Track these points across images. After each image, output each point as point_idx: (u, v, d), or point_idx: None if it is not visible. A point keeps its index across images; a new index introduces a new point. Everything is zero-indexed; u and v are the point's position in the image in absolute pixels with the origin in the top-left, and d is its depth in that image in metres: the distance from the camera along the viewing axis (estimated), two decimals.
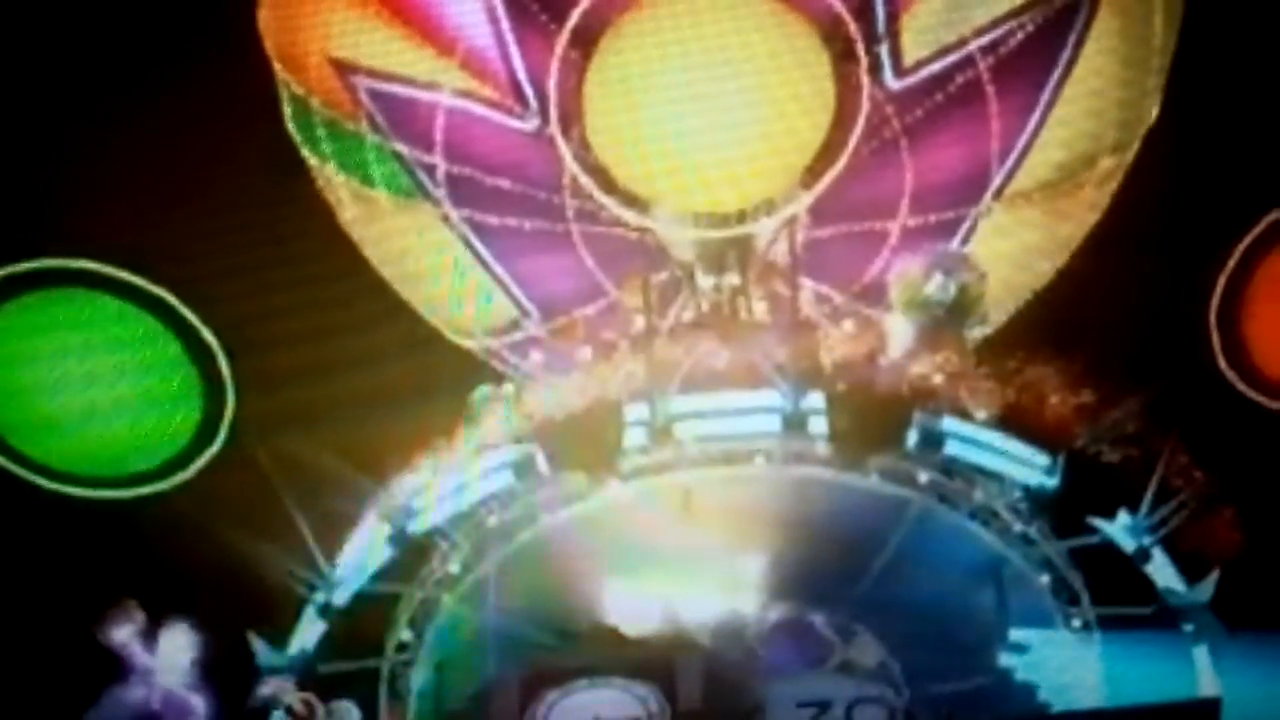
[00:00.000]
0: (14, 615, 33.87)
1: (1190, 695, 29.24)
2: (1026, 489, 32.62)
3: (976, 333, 35.79)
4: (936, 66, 36.16)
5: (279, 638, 32.09)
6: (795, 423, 32.77)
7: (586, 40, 34.51)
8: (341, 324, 38.46)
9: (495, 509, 32.91)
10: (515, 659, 29.82)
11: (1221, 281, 34.25)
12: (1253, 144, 37.03)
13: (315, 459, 32.08)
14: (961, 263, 35.48)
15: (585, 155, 34.85)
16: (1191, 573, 31.85)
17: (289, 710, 30.03)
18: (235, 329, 33.98)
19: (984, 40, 35.94)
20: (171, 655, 30.40)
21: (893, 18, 35.85)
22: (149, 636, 30.41)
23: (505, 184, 36.62)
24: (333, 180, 37.69)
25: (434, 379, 36.83)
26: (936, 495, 32.25)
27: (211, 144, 40.33)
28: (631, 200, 34.75)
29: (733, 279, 36.54)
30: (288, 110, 37.47)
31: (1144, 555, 32.18)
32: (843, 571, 31.60)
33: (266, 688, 30.57)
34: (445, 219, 37.31)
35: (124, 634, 30.33)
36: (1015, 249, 37.55)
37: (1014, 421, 33.05)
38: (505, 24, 36.13)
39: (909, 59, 36.15)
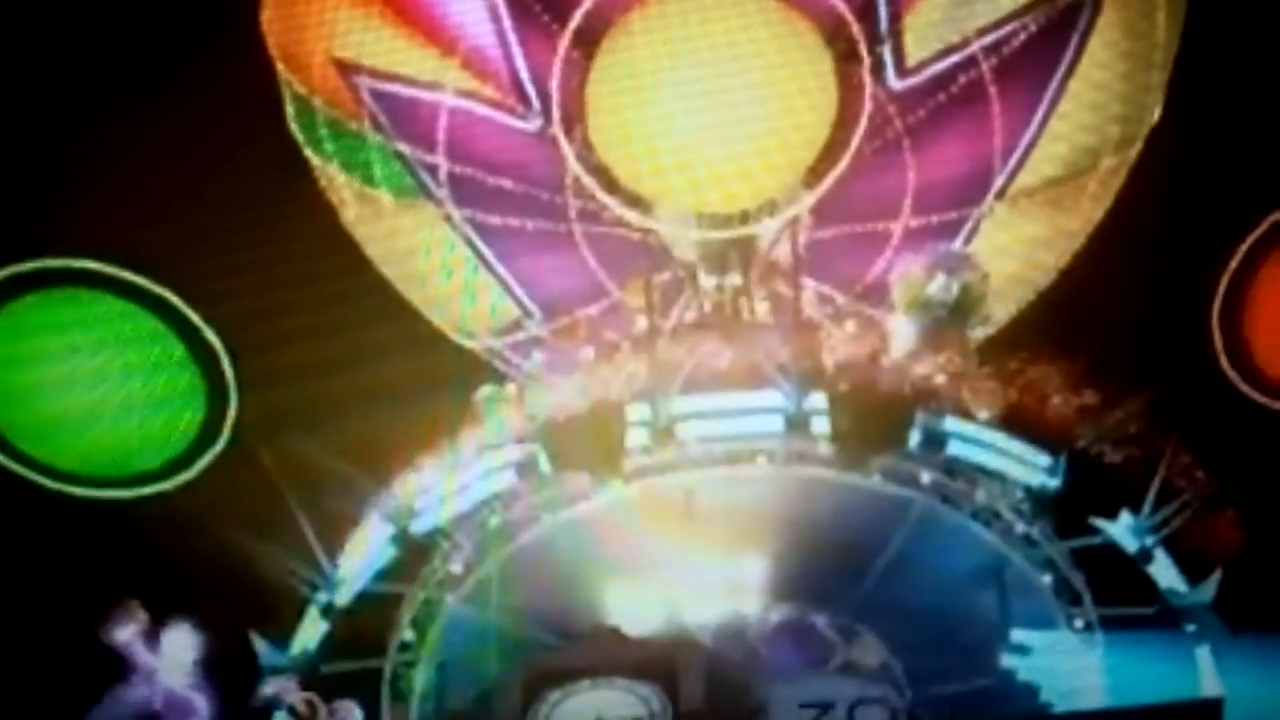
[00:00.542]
0: (17, 614, 33.87)
1: (1192, 696, 29.20)
2: (1029, 489, 32.64)
3: (979, 333, 35.78)
4: (939, 66, 36.15)
5: (281, 637, 32.15)
6: (798, 423, 32.79)
7: (589, 40, 34.50)
8: (344, 324, 38.44)
9: (498, 509, 32.95)
10: (518, 659, 29.78)
11: (1224, 282, 34.24)
12: (1255, 144, 37.00)
13: (318, 459, 32.11)
14: (964, 263, 35.47)
15: (588, 155, 34.84)
16: (1194, 573, 31.87)
17: (291, 710, 30.02)
18: (238, 329, 34.02)
19: (987, 40, 35.92)
20: (174, 655, 30.41)
21: (895, 18, 35.85)
22: (151, 636, 30.43)
23: (508, 184, 36.62)
24: (335, 180, 37.69)
25: (436, 379, 36.81)
26: (939, 496, 32.26)
27: (214, 144, 40.33)
28: (634, 200, 34.74)
29: (735, 279, 36.52)
30: (290, 110, 37.47)
31: (1146, 556, 32.20)
32: (845, 572, 31.61)
33: (269, 687, 30.59)
34: (448, 219, 37.31)
35: (127, 633, 30.35)
36: (1018, 248, 37.54)
37: (1016, 422, 33.07)
38: (507, 24, 36.12)
39: (912, 59, 36.16)
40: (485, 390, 35.37)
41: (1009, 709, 29.99)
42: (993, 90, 36.01)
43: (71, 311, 32.45)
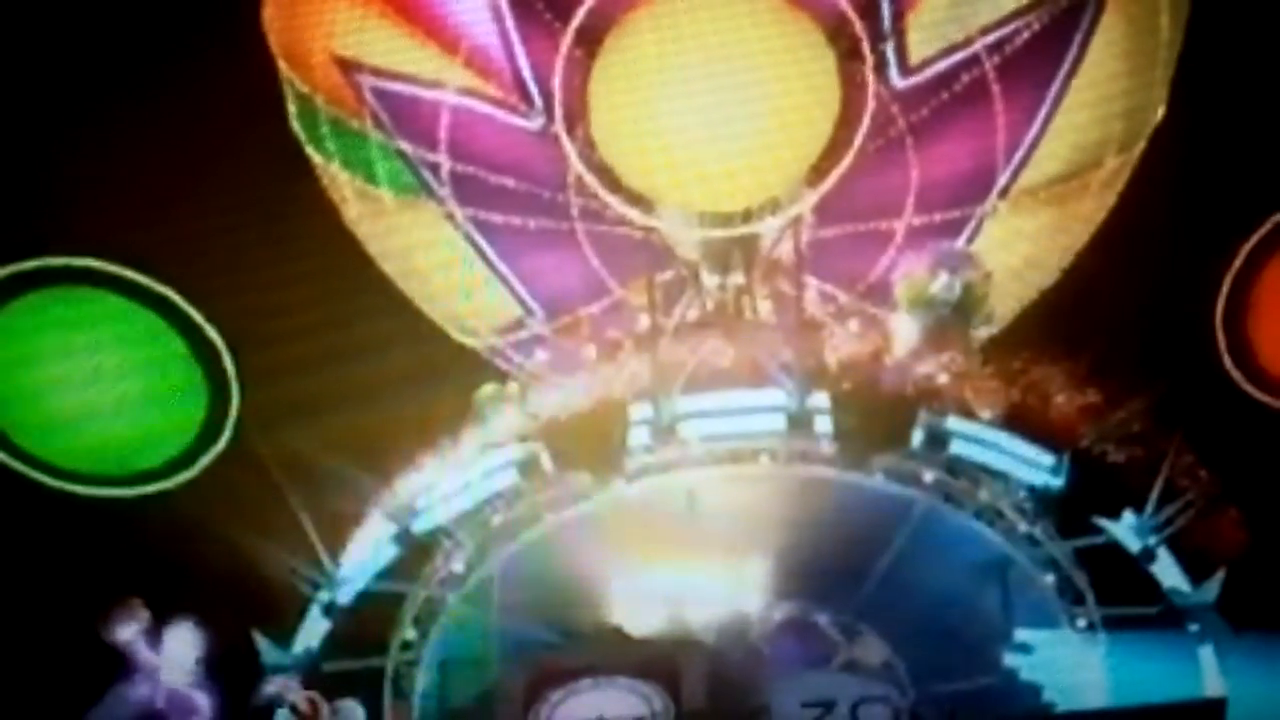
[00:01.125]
0: (18, 613, 33.85)
1: (1195, 695, 29.20)
2: (1031, 489, 32.59)
3: (982, 332, 35.76)
4: (942, 65, 36.11)
5: (283, 636, 32.10)
6: (800, 422, 32.76)
7: (591, 38, 34.41)
8: (345, 322, 38.48)
9: (500, 508, 32.92)
10: (520, 658, 29.80)
11: (1227, 281, 34.19)
12: (1259, 143, 36.97)
13: (320, 458, 32.10)
14: (967, 261, 35.46)
15: (590, 154, 34.76)
16: (1197, 573, 31.82)
17: (293, 709, 30.03)
18: (239, 327, 33.92)
19: (990, 39, 35.88)
20: (176, 653, 30.40)
21: (898, 16, 35.80)
22: (153, 635, 30.42)
23: (510, 182, 36.59)
24: (337, 178, 37.66)
25: (438, 378, 36.83)
26: (941, 495, 32.25)
27: (215, 142, 40.35)
28: (636, 199, 34.65)
29: (738, 278, 36.49)
30: (292, 108, 37.44)
31: (1149, 555, 32.15)
32: (847, 571, 31.62)
33: (271, 686, 30.55)
34: (449, 217, 37.27)
35: (128, 632, 30.33)
36: (1021, 247, 37.52)
37: (1019, 421, 33.05)
38: (510, 22, 36.08)
39: (915, 58, 36.11)
40: (487, 389, 35.36)
41: (1011, 708, 29.98)
42: (996, 89, 35.97)
43: (73, 310, 32.36)
